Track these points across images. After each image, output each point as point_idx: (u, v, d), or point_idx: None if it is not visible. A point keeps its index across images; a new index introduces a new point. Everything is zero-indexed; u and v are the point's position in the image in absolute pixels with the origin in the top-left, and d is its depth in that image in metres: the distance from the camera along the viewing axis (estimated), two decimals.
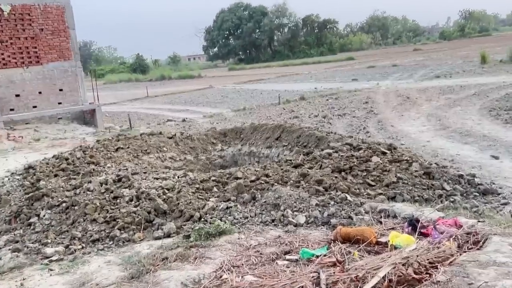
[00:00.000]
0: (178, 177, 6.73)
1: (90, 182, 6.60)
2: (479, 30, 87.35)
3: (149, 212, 5.41)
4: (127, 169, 7.41)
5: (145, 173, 7.18)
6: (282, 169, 6.61)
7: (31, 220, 5.80)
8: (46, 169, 7.88)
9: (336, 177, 6.08)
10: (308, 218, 4.94)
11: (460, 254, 3.43)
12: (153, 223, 5.28)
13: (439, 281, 2.96)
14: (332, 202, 5.28)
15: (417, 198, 5.58)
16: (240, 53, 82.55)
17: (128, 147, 9.28)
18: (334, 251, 3.85)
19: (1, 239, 5.36)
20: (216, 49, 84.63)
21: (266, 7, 79.25)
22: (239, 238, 4.52)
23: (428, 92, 17.96)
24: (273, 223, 4.95)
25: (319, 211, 5.07)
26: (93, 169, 7.60)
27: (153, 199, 5.63)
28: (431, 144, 9.59)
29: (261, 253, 4.07)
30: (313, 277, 3.30)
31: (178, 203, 5.49)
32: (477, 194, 5.97)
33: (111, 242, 4.94)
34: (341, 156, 6.84)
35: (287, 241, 4.32)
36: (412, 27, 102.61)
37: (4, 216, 6.06)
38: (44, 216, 5.82)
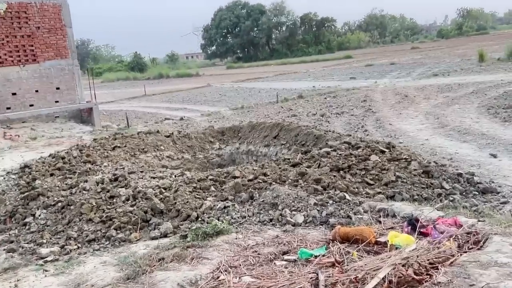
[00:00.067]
0: (175, 176, 6.67)
1: (86, 181, 6.55)
2: (476, 28, 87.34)
3: (145, 212, 5.35)
4: (123, 168, 7.35)
5: (142, 172, 7.12)
6: (280, 168, 6.56)
7: (27, 220, 5.75)
8: (42, 168, 7.81)
9: (334, 176, 6.04)
10: (307, 218, 4.89)
11: (461, 255, 3.38)
12: (149, 223, 5.23)
13: (440, 282, 2.92)
14: (331, 201, 5.24)
15: (416, 197, 5.54)
16: (238, 51, 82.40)
17: (125, 146, 9.22)
18: (333, 251, 3.80)
19: None
20: (214, 47, 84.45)
21: (264, 5, 79.18)
22: (236, 238, 4.47)
23: (426, 90, 17.93)
24: (271, 223, 4.90)
25: (318, 210, 5.03)
26: (90, 168, 7.53)
27: (150, 198, 5.57)
28: (430, 143, 9.56)
29: (259, 253, 4.02)
30: (311, 278, 3.25)
31: (175, 203, 5.44)
32: (477, 193, 5.94)
33: (107, 242, 4.89)
34: (340, 154, 6.79)
35: (285, 241, 4.27)
36: (410, 26, 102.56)
37: None
38: (39, 216, 5.76)
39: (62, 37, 15.59)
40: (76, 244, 4.91)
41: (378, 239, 4.01)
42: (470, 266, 3.11)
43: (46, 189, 6.48)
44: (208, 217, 5.11)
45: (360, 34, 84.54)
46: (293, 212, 5.01)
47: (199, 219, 5.14)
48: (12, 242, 5.20)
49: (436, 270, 3.10)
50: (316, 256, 3.73)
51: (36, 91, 15.17)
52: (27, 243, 5.11)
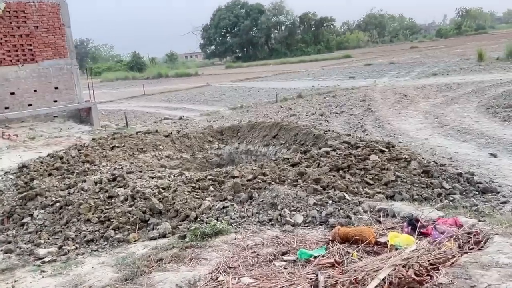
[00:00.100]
0: (174, 176, 6.64)
1: (84, 181, 6.51)
2: (475, 28, 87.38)
3: (144, 212, 5.32)
4: (122, 168, 7.31)
5: (140, 172, 7.09)
6: (279, 167, 6.53)
7: (24, 220, 5.72)
8: (40, 168, 7.77)
9: (334, 175, 6.01)
10: (306, 218, 4.86)
11: (462, 255, 3.36)
12: (148, 223, 5.19)
13: (440, 284, 2.89)
14: (330, 201, 5.21)
15: (416, 197, 5.52)
16: (237, 51, 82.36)
17: (124, 146, 9.18)
18: (333, 252, 3.77)
19: None
20: (213, 47, 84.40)
21: (263, 5, 79.17)
22: (235, 239, 4.44)
23: (425, 89, 17.91)
24: (270, 223, 4.87)
25: (317, 210, 5.00)
26: (88, 168, 7.50)
27: (148, 198, 5.54)
28: (429, 142, 9.53)
29: (258, 254, 3.99)
30: (311, 279, 3.22)
31: (174, 203, 5.40)
32: (477, 193, 5.91)
33: (105, 243, 4.86)
34: (339, 154, 6.76)
35: (285, 241, 4.24)
36: (409, 25, 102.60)
37: None
38: (37, 216, 5.73)
39: (60, 36, 15.54)
40: (74, 245, 4.88)
41: (378, 240, 3.99)
42: (471, 267, 3.09)
43: (44, 189, 6.44)
44: (207, 217, 5.07)
45: (359, 34, 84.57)
46: (293, 212, 4.98)
47: (198, 219, 5.11)
48: (9, 242, 5.17)
49: (437, 271, 3.08)
50: (315, 257, 3.71)
51: (35, 90, 15.12)
52: (25, 243, 5.07)
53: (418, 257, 3.20)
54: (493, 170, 7.10)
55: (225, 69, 56.18)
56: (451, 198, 5.56)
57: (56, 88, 15.55)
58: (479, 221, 4.18)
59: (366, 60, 40.18)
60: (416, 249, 3.39)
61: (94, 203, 5.63)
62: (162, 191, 5.78)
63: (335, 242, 4.02)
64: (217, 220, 4.95)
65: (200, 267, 3.82)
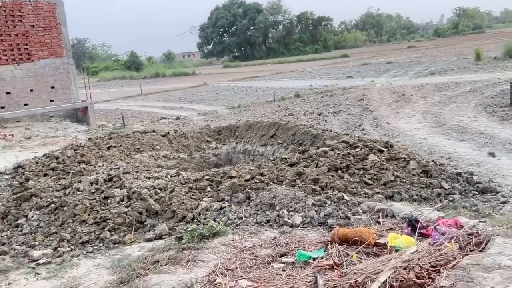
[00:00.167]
0: (170, 176, 6.57)
1: (80, 181, 6.43)
2: (472, 27, 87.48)
3: (140, 213, 5.26)
4: (118, 168, 7.24)
5: (137, 172, 7.02)
6: (277, 167, 6.46)
7: (19, 221, 5.64)
8: (36, 168, 7.69)
9: (332, 175, 5.95)
10: (304, 219, 4.81)
11: (463, 257, 3.30)
12: (144, 224, 5.13)
13: (442, 287, 2.83)
14: (329, 202, 5.15)
15: (415, 197, 5.47)
16: (235, 50, 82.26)
17: (120, 146, 9.10)
18: (332, 253, 3.72)
19: None
20: (210, 46, 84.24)
21: (261, 4, 79.11)
22: (233, 240, 4.37)
23: (423, 89, 17.88)
24: (268, 224, 4.82)
25: (316, 211, 4.94)
26: (84, 168, 7.42)
27: (145, 199, 5.47)
28: (428, 142, 9.49)
29: (256, 256, 3.93)
30: (310, 281, 3.16)
31: (171, 203, 5.34)
32: (476, 193, 5.87)
33: (100, 244, 4.79)
34: (338, 154, 6.70)
35: (283, 243, 4.18)
36: (406, 25, 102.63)
37: None
38: (32, 217, 5.65)
39: (56, 35, 15.44)
40: (69, 246, 4.81)
41: (377, 241, 3.93)
42: (473, 269, 3.03)
43: (39, 189, 6.36)
44: (204, 218, 5.01)
45: (356, 33, 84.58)
46: (291, 213, 4.92)
47: (195, 220, 5.04)
48: (3, 244, 5.09)
49: (438, 274, 3.02)
50: (314, 259, 3.65)
51: (31, 90, 15.02)
52: (19, 245, 5.00)
53: (419, 259, 3.14)
54: (492, 170, 7.06)
55: (223, 68, 56.12)
56: (450, 198, 5.51)
57: (52, 87, 15.46)
58: (480, 221, 4.13)
59: (364, 60, 40.15)
60: (417, 250, 3.34)
61: (89, 204, 5.55)
62: (159, 191, 5.71)
63: (334, 243, 3.97)
64: (214, 221, 4.88)
65: (197, 269, 3.75)
